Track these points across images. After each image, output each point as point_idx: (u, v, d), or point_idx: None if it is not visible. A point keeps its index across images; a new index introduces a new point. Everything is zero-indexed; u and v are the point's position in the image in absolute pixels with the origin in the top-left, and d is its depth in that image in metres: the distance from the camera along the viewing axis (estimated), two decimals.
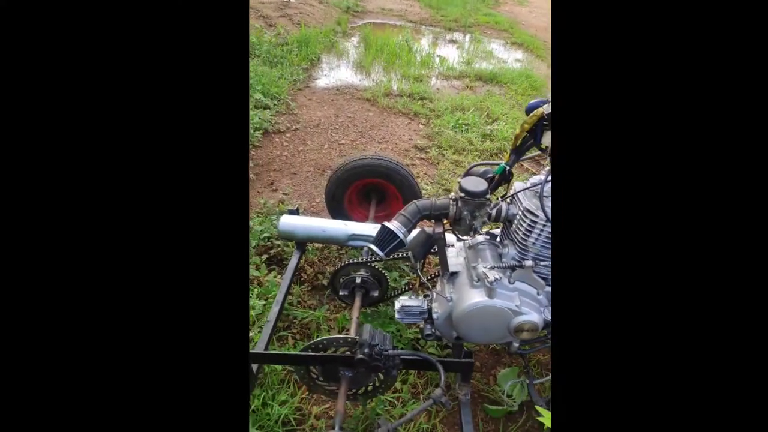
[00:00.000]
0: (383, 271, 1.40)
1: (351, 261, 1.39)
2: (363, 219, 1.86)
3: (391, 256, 1.16)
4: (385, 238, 1.10)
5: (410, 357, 1.07)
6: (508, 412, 1.24)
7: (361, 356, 1.02)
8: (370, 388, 1.15)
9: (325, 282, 1.69)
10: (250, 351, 1.13)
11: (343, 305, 1.58)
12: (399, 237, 1.09)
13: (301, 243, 1.65)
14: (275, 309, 1.37)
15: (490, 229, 1.26)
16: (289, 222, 1.57)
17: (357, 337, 1.06)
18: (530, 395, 1.18)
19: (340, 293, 1.42)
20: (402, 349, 1.38)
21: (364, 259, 1.39)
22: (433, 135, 2.91)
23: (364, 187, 1.81)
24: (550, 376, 1.20)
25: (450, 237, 1.23)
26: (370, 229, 1.53)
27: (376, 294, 1.41)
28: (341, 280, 1.42)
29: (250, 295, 1.55)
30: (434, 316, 1.17)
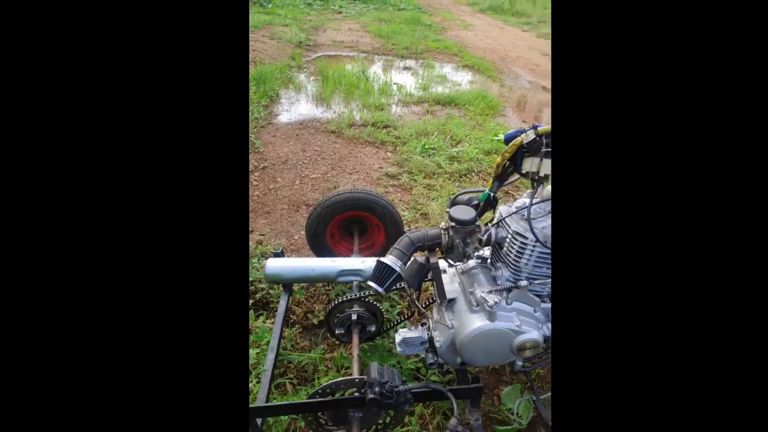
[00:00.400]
0: (377, 304, 1.40)
1: (344, 298, 1.38)
2: (347, 252, 1.86)
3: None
4: (383, 273, 1.11)
5: (421, 390, 1.07)
6: (518, 431, 1.26)
7: (372, 396, 1.01)
8: (380, 426, 1.13)
9: (315, 321, 1.67)
10: (253, 405, 1.09)
11: (338, 343, 1.56)
12: (396, 271, 1.10)
13: (288, 285, 1.62)
14: (270, 356, 1.34)
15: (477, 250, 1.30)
16: (275, 266, 1.55)
17: (365, 377, 1.05)
18: (538, 411, 1.20)
19: (336, 332, 1.40)
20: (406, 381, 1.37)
21: (357, 295, 1.39)
22: (402, 162, 2.98)
23: (345, 220, 1.82)
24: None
25: (441, 263, 1.26)
26: (358, 263, 1.54)
27: (372, 328, 1.41)
28: (336, 318, 1.40)
29: None
30: (437, 344, 1.18)
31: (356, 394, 1.06)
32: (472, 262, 1.21)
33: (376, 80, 4.85)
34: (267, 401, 1.19)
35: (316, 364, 1.46)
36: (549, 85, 5.31)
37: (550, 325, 1.12)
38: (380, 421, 1.12)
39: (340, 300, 1.38)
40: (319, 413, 1.10)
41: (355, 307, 1.39)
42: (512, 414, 1.28)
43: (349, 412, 1.09)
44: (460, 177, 2.81)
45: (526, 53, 7.03)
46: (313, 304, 1.76)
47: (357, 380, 1.06)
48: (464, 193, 1.24)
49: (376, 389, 1.01)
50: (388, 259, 1.12)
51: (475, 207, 1.19)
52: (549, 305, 1.12)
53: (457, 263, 1.23)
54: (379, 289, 1.10)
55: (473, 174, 2.85)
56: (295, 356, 1.48)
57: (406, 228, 1.95)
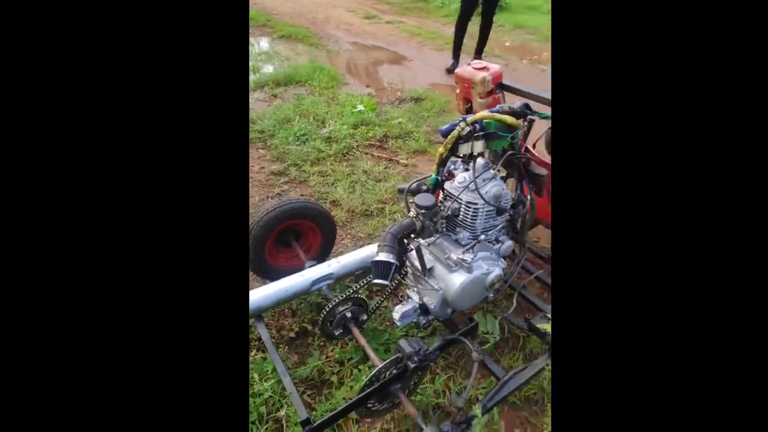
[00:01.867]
0: (360, 296, 1.59)
1: (333, 303, 1.52)
2: (288, 263, 1.92)
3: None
4: (384, 270, 1.30)
5: (441, 344, 1.35)
6: (495, 344, 1.66)
7: (414, 365, 1.25)
8: (414, 384, 1.38)
9: (292, 334, 1.76)
10: (312, 426, 1.21)
11: (331, 342, 1.70)
12: (393, 263, 1.31)
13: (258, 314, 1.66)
14: (287, 379, 1.43)
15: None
16: (252, 300, 1.56)
17: (398, 354, 1.27)
18: (511, 323, 1.61)
19: (337, 333, 1.55)
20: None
21: (341, 297, 1.54)
22: (282, 156, 2.99)
23: (279, 233, 1.88)
24: (514, 305, 1.63)
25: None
26: (325, 267, 1.66)
27: (364, 317, 1.60)
28: (330, 323, 1.54)
29: (254, 381, 1.52)
30: (430, 306, 1.46)
31: (397, 369, 1.28)
32: (432, 237, 1.48)
33: None
34: (310, 418, 1.31)
35: (323, 369, 1.60)
36: (371, 44, 5.68)
37: (502, 259, 1.49)
38: (414, 381, 1.37)
39: (328, 307, 1.52)
40: (369, 402, 1.29)
41: (347, 306, 1.55)
42: (486, 334, 1.67)
43: (392, 386, 1.30)
44: (344, 156, 3.00)
45: (334, 12, 7.21)
46: (279, 321, 1.83)
47: (394, 359, 1.27)
48: (414, 182, 1.48)
49: (415, 358, 1.25)
50: (383, 257, 1.31)
51: (428, 191, 1.44)
52: (498, 245, 1.49)
53: (420, 240, 1.49)
54: (385, 282, 1.30)
55: (355, 150, 3.06)
56: (300, 371, 1.58)
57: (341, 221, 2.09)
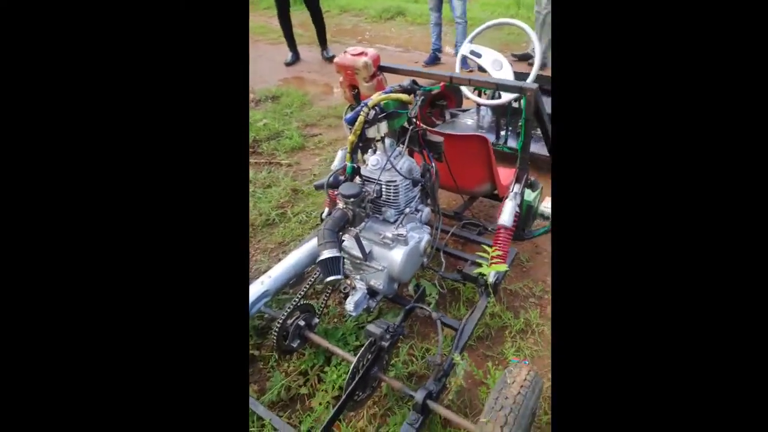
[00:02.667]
0: (305, 302, 1.56)
1: (282, 319, 1.47)
2: None
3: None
4: (333, 266, 1.30)
5: (404, 316, 1.43)
6: (437, 302, 1.80)
7: (388, 343, 1.30)
8: (389, 360, 1.45)
9: (255, 352, 1.65)
10: None
11: (286, 357, 1.64)
12: (340, 257, 1.32)
13: None
14: (260, 409, 1.36)
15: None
16: None
17: (372, 339, 1.31)
18: (446, 278, 1.76)
19: (295, 346, 1.50)
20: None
21: (287, 309, 1.50)
22: None
23: None
24: (443, 263, 1.79)
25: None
26: (258, 285, 1.58)
27: (316, 320, 1.58)
28: (284, 339, 1.49)
29: None
30: (378, 287, 1.52)
31: (370, 356, 1.32)
32: (363, 223, 1.53)
33: None
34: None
35: (288, 386, 1.54)
36: None
37: (425, 225, 1.62)
38: (386, 359, 1.43)
39: (278, 324, 1.46)
40: (355, 394, 1.31)
41: (295, 316, 1.51)
42: (428, 296, 1.81)
43: (372, 370, 1.34)
44: None
45: None
46: None
47: (366, 346, 1.31)
48: (333, 173, 1.49)
49: (387, 336, 1.31)
50: (328, 254, 1.31)
51: (346, 180, 1.47)
52: (419, 214, 1.61)
53: (352, 228, 1.52)
54: (340, 277, 1.31)
55: None
56: (268, 396, 1.50)
57: None
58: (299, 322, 1.50)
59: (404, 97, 1.43)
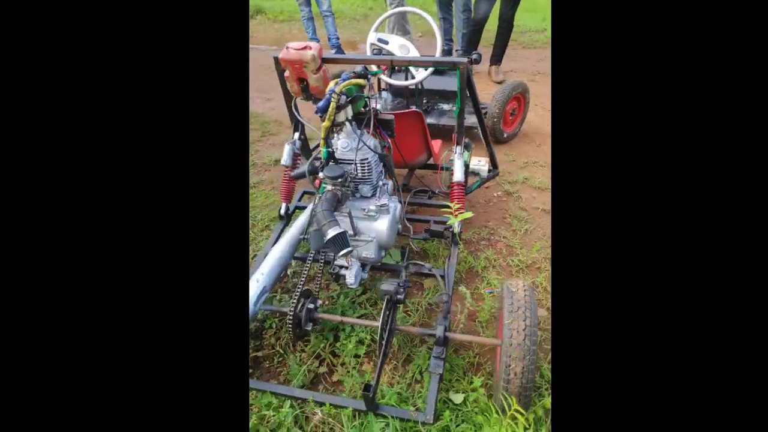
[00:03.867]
0: (307, 288, 1.63)
1: (293, 308, 1.52)
2: None
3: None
4: (342, 240, 1.42)
5: (407, 272, 1.61)
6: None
7: (402, 296, 1.48)
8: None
9: (257, 354, 1.66)
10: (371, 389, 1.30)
11: (295, 346, 1.69)
12: (345, 231, 1.44)
13: None
14: (298, 391, 1.42)
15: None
16: None
17: (386, 295, 1.47)
18: (416, 239, 1.97)
19: (309, 329, 1.57)
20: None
21: (294, 299, 1.55)
22: None
23: None
24: (410, 227, 1.99)
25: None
26: (254, 284, 1.60)
27: (319, 301, 1.66)
28: (299, 326, 1.55)
29: (271, 412, 1.42)
30: (371, 257, 1.67)
31: (389, 313, 1.48)
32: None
33: None
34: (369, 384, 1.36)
35: (309, 371, 1.61)
36: None
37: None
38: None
39: (291, 312, 1.52)
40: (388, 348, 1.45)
41: (302, 302, 1.58)
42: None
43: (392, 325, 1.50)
44: None
45: None
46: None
47: (385, 306, 1.46)
48: (308, 164, 1.57)
49: (401, 291, 1.48)
50: (333, 231, 1.42)
51: (324, 164, 1.58)
52: (386, 186, 1.79)
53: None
54: (350, 249, 1.43)
55: None
56: (295, 383, 1.55)
57: None
58: (308, 306, 1.58)
59: (361, 81, 1.59)
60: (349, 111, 1.56)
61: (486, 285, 1.93)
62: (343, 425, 1.37)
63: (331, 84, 1.57)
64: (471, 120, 2.86)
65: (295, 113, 1.83)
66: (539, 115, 3.43)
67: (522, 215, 2.35)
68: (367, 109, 1.66)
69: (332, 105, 1.48)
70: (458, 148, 1.93)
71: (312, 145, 2.11)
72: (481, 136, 2.12)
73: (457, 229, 1.84)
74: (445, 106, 3.11)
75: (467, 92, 1.82)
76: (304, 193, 2.32)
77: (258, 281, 1.61)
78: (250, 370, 1.63)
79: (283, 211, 2.09)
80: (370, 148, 1.61)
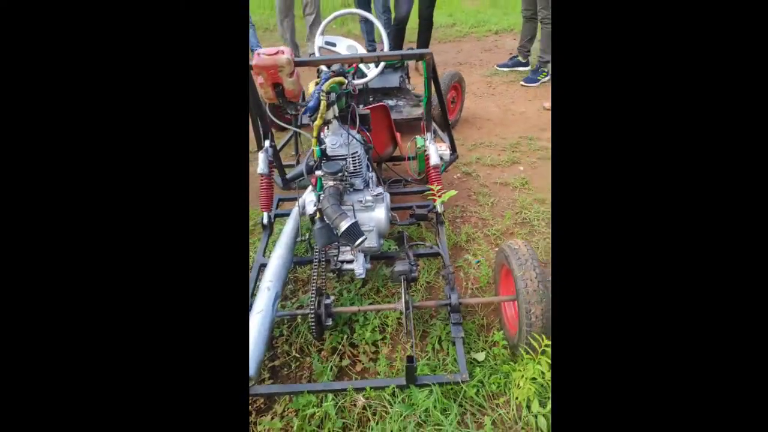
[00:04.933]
0: (319, 285, 1.65)
1: (313, 307, 1.54)
2: None
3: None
4: (356, 231, 1.48)
5: (412, 253, 1.71)
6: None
7: (416, 274, 1.58)
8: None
9: (275, 364, 1.64)
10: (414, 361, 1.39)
11: (316, 346, 1.71)
12: (355, 221, 1.50)
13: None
14: (337, 384, 1.46)
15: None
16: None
17: (402, 276, 1.56)
18: (403, 225, 2.07)
19: (329, 324, 1.60)
20: None
21: (312, 298, 1.57)
22: None
23: None
24: (396, 216, 2.08)
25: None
26: (265, 292, 1.59)
27: (332, 297, 1.70)
28: (320, 322, 1.57)
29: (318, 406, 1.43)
30: (373, 246, 1.74)
31: (409, 291, 1.57)
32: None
33: None
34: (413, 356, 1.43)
35: (334, 368, 1.64)
36: None
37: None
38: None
39: (311, 314, 1.53)
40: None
41: (321, 301, 1.60)
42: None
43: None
44: None
45: None
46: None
47: (404, 289, 1.55)
48: (303, 165, 1.61)
49: (414, 269, 1.58)
50: (346, 223, 1.47)
51: (317, 163, 1.62)
52: (372, 177, 1.87)
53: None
54: (364, 237, 1.50)
55: None
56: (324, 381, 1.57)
57: None
58: (325, 301, 1.61)
59: (342, 79, 1.66)
60: (335, 109, 1.62)
61: (473, 255, 2.09)
62: (386, 405, 1.43)
63: (312, 84, 1.61)
64: (416, 112, 3.05)
65: (275, 119, 1.83)
66: (473, 101, 3.71)
67: (484, 191, 2.57)
68: (349, 106, 1.73)
69: (323, 103, 1.53)
70: (429, 135, 2.07)
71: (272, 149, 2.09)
72: (443, 122, 2.28)
73: (440, 209, 1.98)
74: (390, 102, 3.25)
75: (432, 81, 1.97)
76: (279, 200, 2.31)
77: (269, 288, 1.61)
78: (270, 381, 1.62)
79: (265, 221, 2.07)
80: (359, 141, 1.68)
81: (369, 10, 4.45)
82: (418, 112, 3.06)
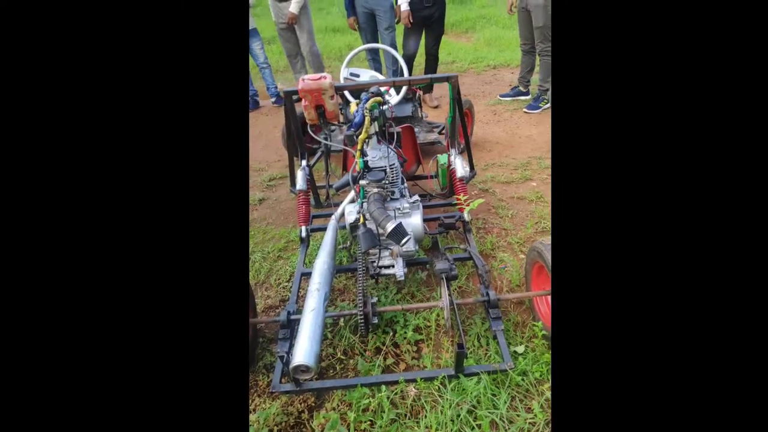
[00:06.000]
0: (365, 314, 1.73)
1: (361, 308, 1.63)
2: None
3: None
4: (401, 231, 1.61)
5: (449, 256, 1.83)
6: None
7: (455, 273, 1.70)
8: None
9: (323, 365, 1.71)
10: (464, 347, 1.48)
11: (363, 346, 1.79)
12: (399, 222, 1.63)
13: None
14: (392, 376, 1.54)
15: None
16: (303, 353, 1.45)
17: (443, 273, 1.67)
18: (432, 234, 2.20)
19: (376, 321, 1.70)
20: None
21: (360, 301, 1.65)
22: None
23: None
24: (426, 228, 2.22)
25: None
26: (315, 293, 1.68)
27: (375, 297, 1.80)
28: (367, 320, 1.66)
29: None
30: (411, 251, 1.87)
31: (448, 289, 1.68)
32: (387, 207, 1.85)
33: None
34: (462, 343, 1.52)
35: (378, 367, 1.71)
36: None
37: None
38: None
39: (360, 317, 1.62)
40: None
41: (366, 300, 1.70)
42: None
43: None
44: None
45: None
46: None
47: (446, 286, 1.66)
48: (347, 177, 1.76)
49: (454, 267, 1.70)
50: (392, 225, 1.61)
51: (360, 173, 1.77)
52: (405, 187, 2.02)
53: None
54: (409, 236, 1.62)
55: None
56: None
57: None
58: (371, 302, 1.71)
59: (380, 99, 1.84)
60: (376, 125, 1.79)
61: (499, 262, 2.21)
62: (437, 395, 1.51)
63: (353, 105, 1.80)
64: (431, 137, 3.25)
65: (320, 139, 2.00)
66: (481, 128, 3.94)
67: (503, 204, 2.72)
68: (386, 123, 1.91)
69: (367, 119, 1.70)
70: (453, 150, 2.25)
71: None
72: (465, 141, 2.45)
73: (468, 218, 2.11)
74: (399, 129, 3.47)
75: (456, 102, 2.16)
76: (313, 217, 2.44)
77: (318, 289, 1.71)
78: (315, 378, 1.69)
79: (303, 234, 2.19)
80: (398, 153, 1.84)
81: (377, 51, 4.77)
82: (433, 137, 3.26)
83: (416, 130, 3.41)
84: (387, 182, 1.81)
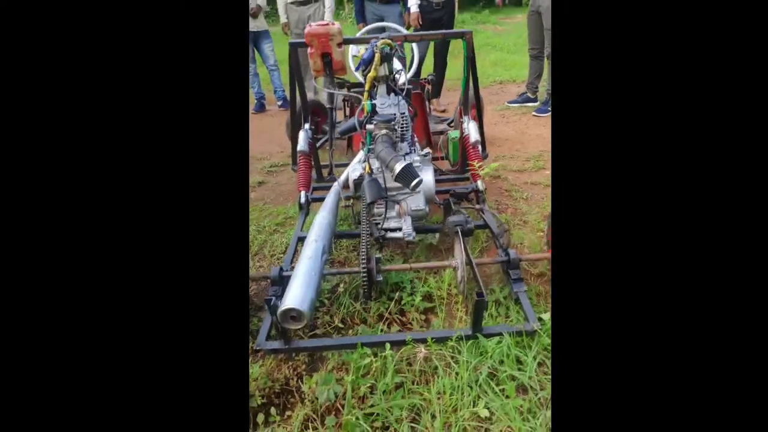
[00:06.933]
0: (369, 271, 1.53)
1: (364, 265, 1.43)
2: None
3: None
4: (411, 171, 1.43)
5: (461, 211, 1.64)
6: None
7: (471, 226, 1.50)
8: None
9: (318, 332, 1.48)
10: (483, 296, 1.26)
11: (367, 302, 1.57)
12: (409, 162, 1.46)
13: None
14: (396, 334, 1.31)
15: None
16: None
17: (458, 226, 1.48)
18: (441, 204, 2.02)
19: (380, 279, 1.49)
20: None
21: (363, 260, 1.46)
22: None
23: None
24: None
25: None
26: (312, 245, 1.49)
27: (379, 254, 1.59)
28: (372, 277, 1.45)
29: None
30: (421, 209, 1.68)
31: (464, 244, 1.48)
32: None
33: None
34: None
35: (381, 330, 1.49)
36: None
37: None
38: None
39: (364, 276, 1.42)
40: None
41: (369, 255, 1.50)
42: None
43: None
44: None
45: None
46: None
47: (459, 240, 1.46)
48: (352, 120, 1.59)
49: (470, 220, 1.51)
50: (400, 165, 1.43)
51: (367, 117, 1.61)
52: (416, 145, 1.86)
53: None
54: (420, 178, 1.44)
55: None
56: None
57: None
58: (375, 257, 1.50)
59: (391, 42, 1.71)
60: (387, 67, 1.65)
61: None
62: (450, 358, 1.27)
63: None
64: (439, 128, 3.12)
65: (329, 87, 1.85)
66: (489, 129, 3.82)
67: (516, 188, 2.54)
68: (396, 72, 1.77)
69: (377, 56, 1.56)
70: (466, 117, 2.10)
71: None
72: (477, 113, 2.31)
73: (482, 187, 1.94)
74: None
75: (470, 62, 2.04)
76: (314, 189, 2.27)
77: (316, 241, 1.51)
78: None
79: (302, 200, 2.01)
80: (407, 101, 1.69)
81: None
82: (441, 127, 3.14)
83: None
84: (397, 126, 1.65)
